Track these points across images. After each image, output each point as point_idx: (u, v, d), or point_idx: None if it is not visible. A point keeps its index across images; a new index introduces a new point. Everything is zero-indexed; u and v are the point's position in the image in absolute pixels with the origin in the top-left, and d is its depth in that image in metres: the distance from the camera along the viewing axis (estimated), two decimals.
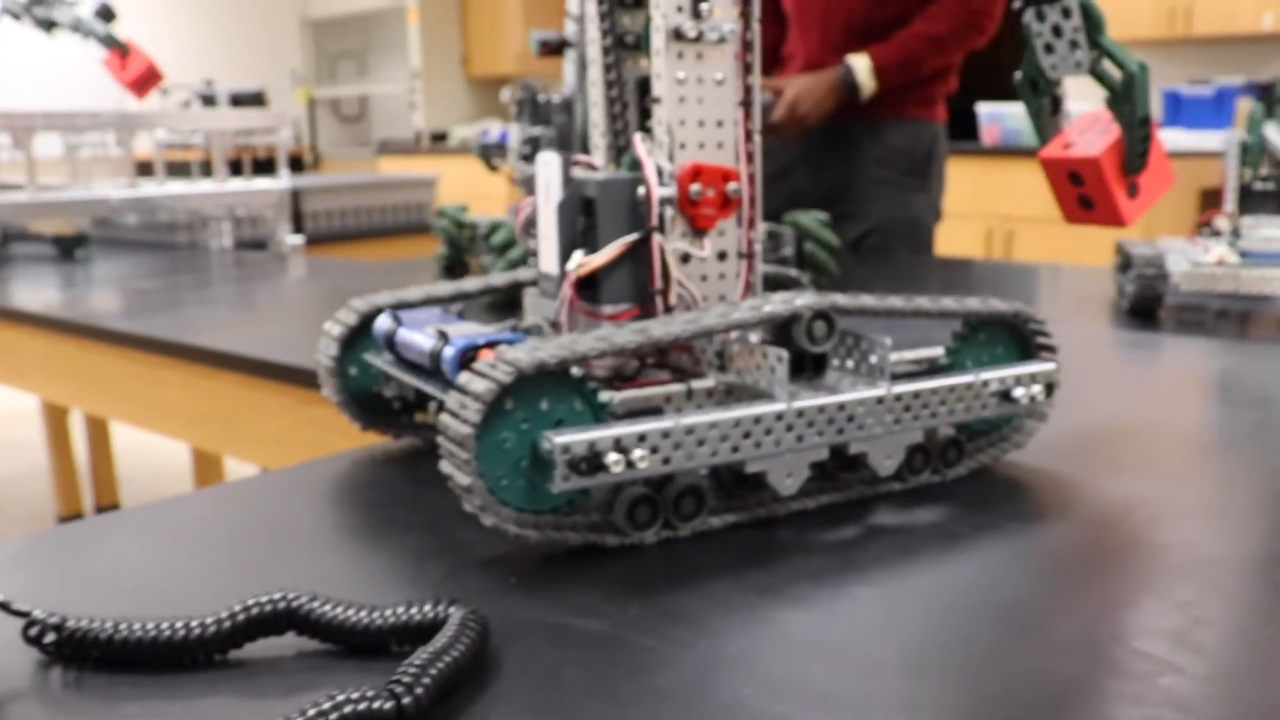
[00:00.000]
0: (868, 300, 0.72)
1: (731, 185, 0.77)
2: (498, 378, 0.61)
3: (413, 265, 2.07)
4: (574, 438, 0.61)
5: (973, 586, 0.61)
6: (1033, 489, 0.77)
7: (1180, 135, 4.38)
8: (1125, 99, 0.93)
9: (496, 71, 7.41)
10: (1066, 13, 0.94)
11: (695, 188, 0.75)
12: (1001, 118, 4.61)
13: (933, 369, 0.79)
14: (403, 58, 7.76)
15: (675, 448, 0.64)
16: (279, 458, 1.33)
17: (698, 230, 0.77)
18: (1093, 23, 0.94)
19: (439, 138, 7.40)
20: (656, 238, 0.74)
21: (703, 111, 0.76)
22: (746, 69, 0.78)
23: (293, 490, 0.83)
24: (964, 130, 4.31)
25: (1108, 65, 0.95)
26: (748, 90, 0.78)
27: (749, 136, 0.78)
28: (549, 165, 0.76)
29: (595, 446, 0.62)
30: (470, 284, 0.90)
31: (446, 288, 0.89)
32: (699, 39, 0.75)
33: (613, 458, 0.61)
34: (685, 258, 0.77)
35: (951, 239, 2.90)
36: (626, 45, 0.82)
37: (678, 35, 0.75)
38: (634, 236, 0.74)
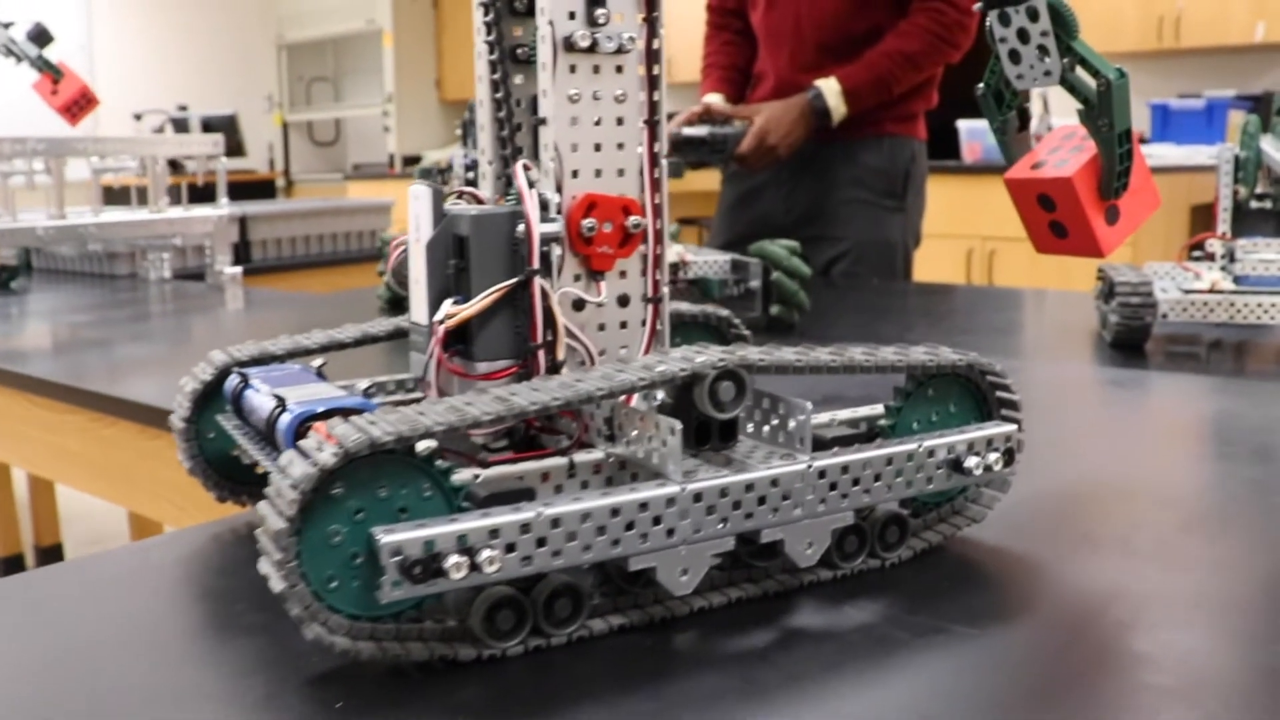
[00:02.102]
0: (787, 355, 0.60)
1: (633, 219, 0.65)
2: (320, 461, 0.50)
3: (356, 297, 1.96)
4: (407, 536, 0.50)
5: (905, 716, 0.49)
6: (990, 577, 0.65)
7: (1169, 150, 4.28)
8: (1102, 111, 0.82)
9: (470, 95, 7.31)
10: (1033, 14, 0.83)
11: (588, 223, 0.64)
12: (983, 134, 4.50)
13: (871, 433, 0.67)
14: (377, 81, 7.66)
15: (538, 544, 0.52)
16: (179, 515, 1.21)
17: (593, 272, 0.65)
18: (1064, 25, 0.83)
19: (412, 161, 7.30)
20: (538, 282, 0.62)
21: (599, 134, 0.65)
22: (652, 83, 0.66)
23: (133, 574, 0.71)
24: (945, 148, 4.21)
25: (1082, 73, 0.83)
26: (653, 108, 0.66)
27: (655, 162, 0.67)
28: (418, 199, 0.65)
29: (434, 547, 0.50)
30: (346, 332, 0.78)
31: (318, 337, 0.78)
32: (593, 49, 0.64)
33: (454, 561, 0.50)
34: (578, 304, 0.65)
35: (932, 259, 2.79)
36: (518, 59, 0.70)
37: (569, 46, 0.63)
38: (510, 282, 0.62)
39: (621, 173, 0.66)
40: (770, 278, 1.44)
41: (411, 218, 0.66)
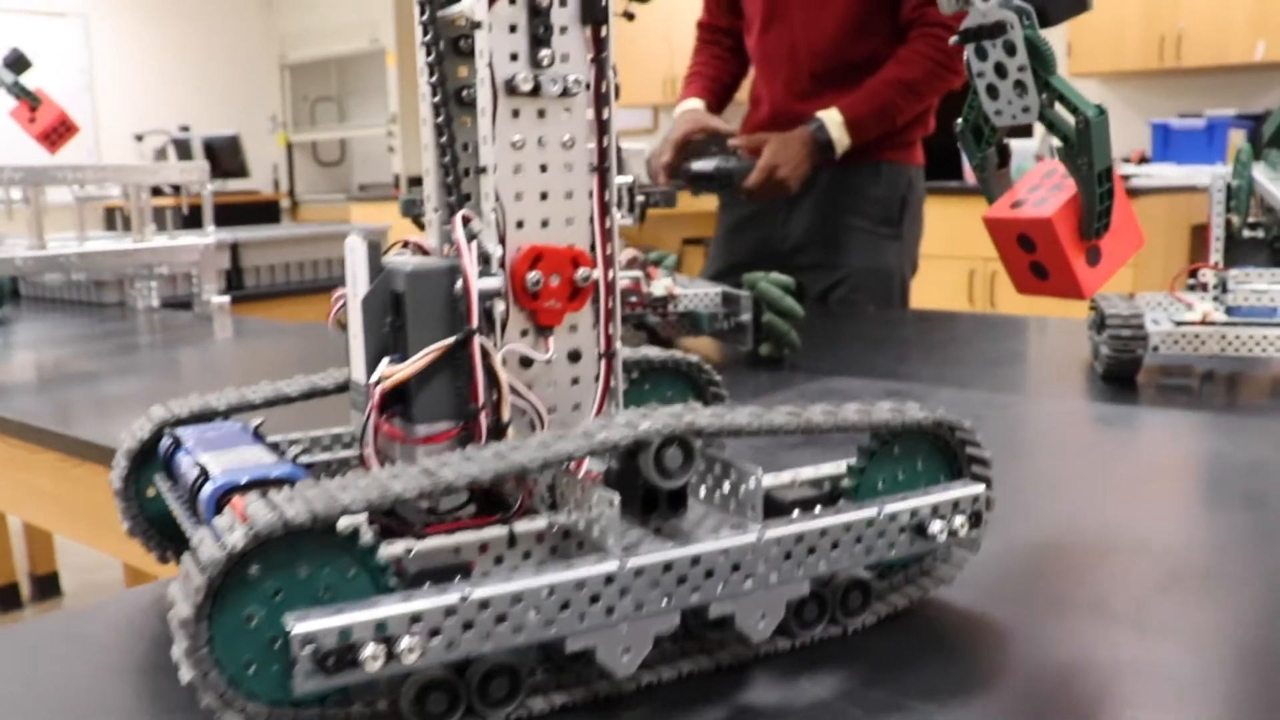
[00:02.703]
0: (740, 418, 0.57)
1: (582, 271, 0.62)
2: (229, 544, 0.47)
3: None
4: (320, 625, 0.46)
5: None
6: (956, 645, 0.61)
7: (1170, 169, 4.24)
8: (1081, 150, 0.79)
9: None
10: (1010, 49, 0.80)
11: (533, 276, 0.61)
12: None
13: (835, 493, 0.64)
14: (381, 101, 7.66)
15: (465, 628, 0.49)
16: (146, 557, 1.18)
17: (541, 328, 0.63)
18: (1041, 61, 0.80)
19: (417, 181, 7.29)
20: (479, 341, 0.59)
21: (545, 181, 0.62)
22: (602, 128, 0.63)
23: (62, 642, 0.68)
24: (947, 168, 4.18)
25: (1061, 110, 0.80)
26: (603, 154, 0.64)
27: (605, 210, 0.64)
28: (354, 251, 0.62)
29: (350, 635, 0.47)
30: (294, 385, 0.75)
31: (264, 390, 0.75)
32: (537, 92, 0.61)
33: (370, 651, 0.47)
34: (526, 360, 0.63)
35: (933, 281, 2.76)
36: (463, 101, 0.68)
37: (510, 89, 0.60)
38: (448, 342, 0.59)
39: (570, 222, 0.63)
40: (762, 319, 1.40)
41: (348, 271, 0.63)
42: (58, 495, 1.33)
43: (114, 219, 5.70)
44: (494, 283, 0.60)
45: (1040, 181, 0.85)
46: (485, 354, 0.60)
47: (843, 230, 2.08)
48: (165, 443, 0.67)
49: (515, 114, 0.61)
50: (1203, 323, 1.30)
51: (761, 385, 1.30)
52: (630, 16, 1.47)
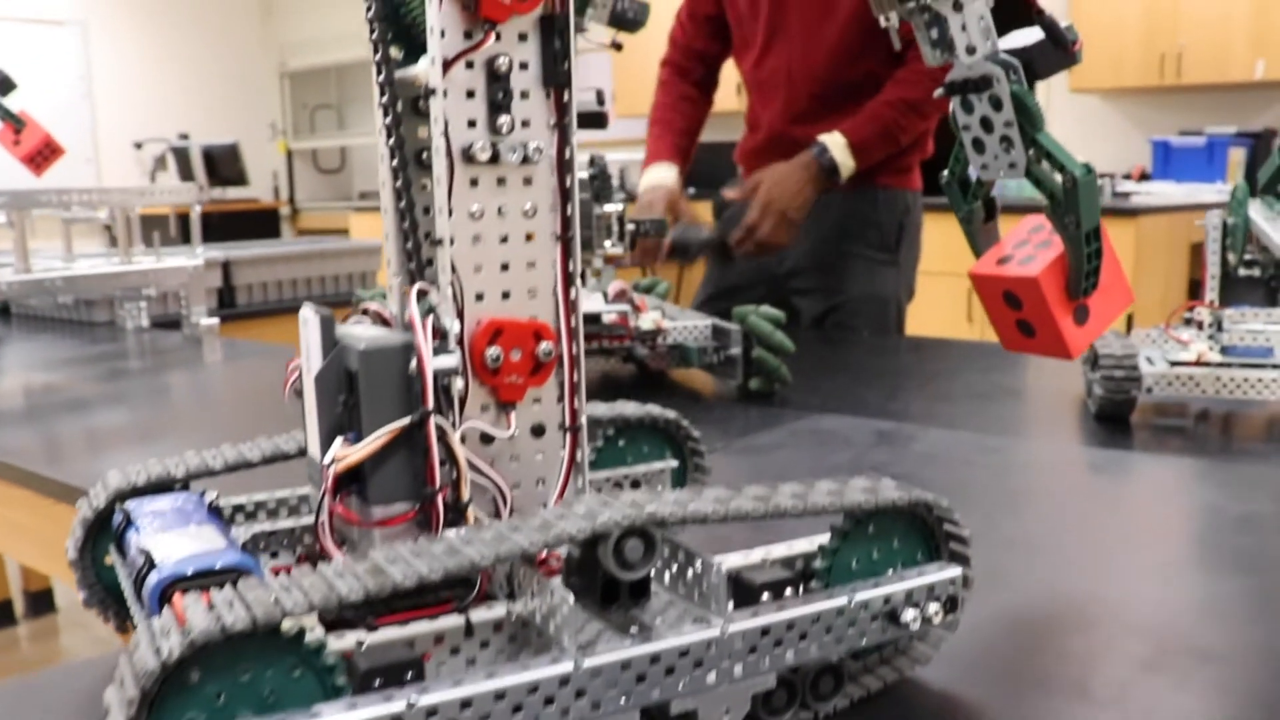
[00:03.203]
0: (704, 506, 0.55)
1: (544, 346, 0.60)
2: (165, 652, 0.44)
3: None
4: None
5: None
6: None
7: (1171, 188, 4.23)
8: (1068, 209, 0.77)
9: None
10: (996, 103, 0.78)
11: (493, 352, 0.59)
12: None
13: (808, 573, 0.62)
14: None
15: None
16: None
17: (502, 404, 0.60)
18: (1028, 117, 0.78)
19: None
20: (435, 422, 0.57)
21: (506, 252, 0.60)
22: (564, 195, 0.61)
23: (12, 713, 0.66)
24: None
25: (1048, 168, 0.78)
26: (566, 222, 0.61)
27: (569, 281, 0.62)
28: (308, 324, 0.60)
29: None
30: (257, 449, 0.73)
31: (227, 454, 0.73)
32: (495, 160, 0.59)
33: None
34: (487, 438, 0.60)
35: (934, 299, 2.74)
36: (423, 164, 0.65)
37: (468, 158, 0.58)
38: (402, 423, 0.57)
39: (533, 294, 0.61)
40: (752, 353, 1.38)
41: (302, 343, 0.61)
42: (39, 531, 1.31)
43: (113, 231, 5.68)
44: (450, 361, 0.58)
45: (1028, 237, 0.83)
46: (443, 434, 0.58)
47: (839, 256, 2.06)
48: (117, 519, 0.64)
49: (473, 183, 0.59)
50: (1198, 363, 1.28)
51: (750, 422, 1.27)
52: (618, 46, 1.45)
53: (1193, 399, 1.35)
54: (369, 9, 0.62)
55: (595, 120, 1.52)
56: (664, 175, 2.08)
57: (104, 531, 0.70)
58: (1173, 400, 1.36)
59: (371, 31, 0.62)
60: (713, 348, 1.43)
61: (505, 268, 0.60)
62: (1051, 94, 5.56)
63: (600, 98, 1.54)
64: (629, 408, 0.81)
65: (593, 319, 1.34)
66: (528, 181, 0.60)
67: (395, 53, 0.63)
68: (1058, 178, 0.77)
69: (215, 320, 2.06)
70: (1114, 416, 1.26)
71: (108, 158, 7.49)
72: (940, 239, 2.54)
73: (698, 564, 0.56)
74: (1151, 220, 3.86)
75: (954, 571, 0.61)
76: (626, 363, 1.47)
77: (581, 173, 1.50)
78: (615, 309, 1.35)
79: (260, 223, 6.59)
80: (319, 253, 2.71)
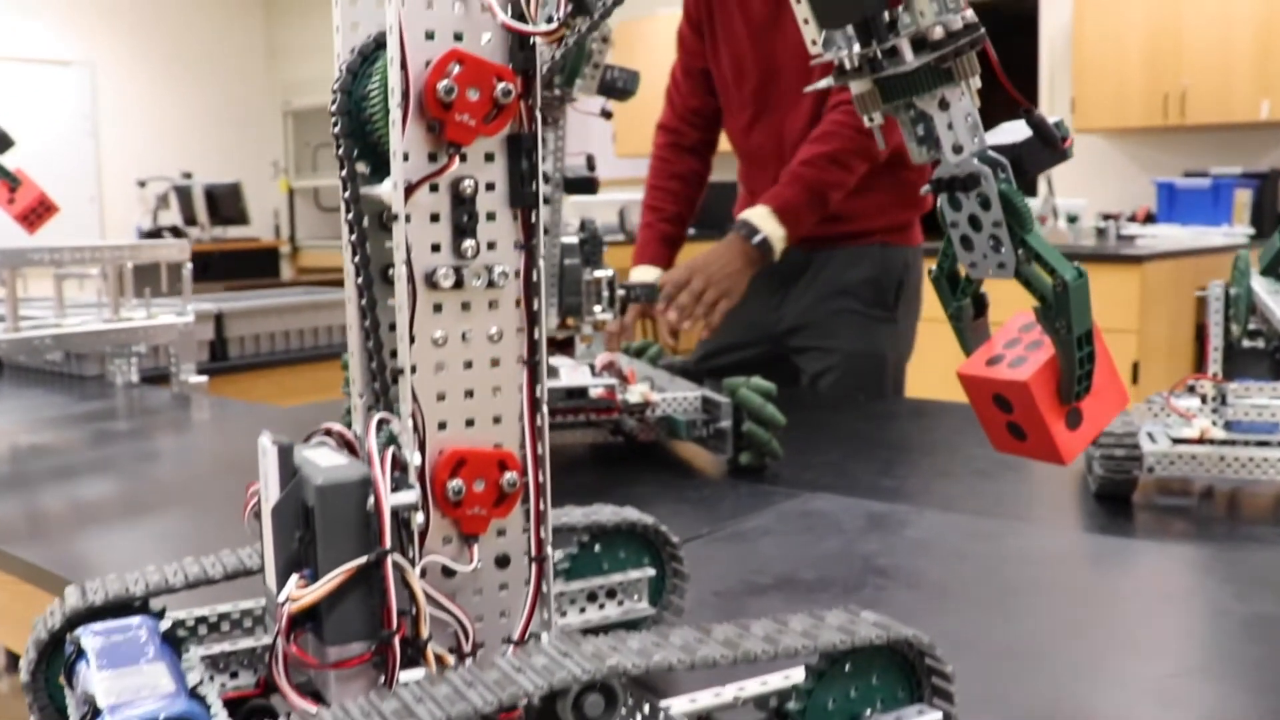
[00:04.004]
0: (670, 655, 0.52)
1: (509, 476, 0.58)
2: None
3: (331, 410, 1.88)
4: None
5: None
6: None
7: (1176, 231, 4.21)
8: (1059, 313, 0.74)
9: None
10: (984, 202, 0.76)
11: (455, 485, 0.56)
12: None
13: (780, 713, 0.59)
14: None
15: None
16: None
17: (465, 535, 0.58)
18: (1018, 218, 0.75)
19: None
20: (393, 560, 0.55)
21: (470, 378, 0.58)
22: (531, 319, 0.59)
23: None
24: None
25: (1039, 269, 0.76)
26: (533, 346, 0.59)
27: (536, 407, 0.59)
28: (266, 455, 0.57)
29: None
30: (220, 564, 0.70)
31: (190, 569, 0.70)
32: (459, 285, 0.56)
33: None
34: (449, 571, 0.58)
35: (939, 345, 2.70)
36: (389, 279, 0.63)
37: (431, 284, 0.56)
38: (358, 563, 0.54)
39: (498, 420, 0.59)
40: (743, 427, 1.35)
41: (260, 471, 0.58)
42: (13, 611, 1.29)
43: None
44: (409, 497, 0.55)
45: (1018, 335, 0.81)
46: (401, 572, 0.55)
47: (836, 313, 2.03)
48: (68, 648, 0.62)
49: (437, 308, 0.57)
50: (1200, 440, 1.25)
51: (739, 503, 1.24)
52: (608, 115, 1.43)
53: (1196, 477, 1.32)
54: (334, 124, 0.60)
55: (585, 186, 1.51)
56: (649, 277, 2.06)
57: (58, 651, 0.68)
58: (1175, 474, 1.33)
59: (337, 147, 0.60)
60: (702, 420, 1.40)
61: (469, 394, 0.58)
62: None
63: (590, 163, 1.52)
64: (605, 513, 0.79)
65: (579, 393, 1.31)
66: (493, 305, 0.58)
67: (362, 168, 0.61)
68: (1048, 280, 0.75)
69: (204, 379, 2.05)
70: (1115, 496, 1.23)
71: (111, 196, 7.51)
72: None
73: (661, 716, 0.53)
74: (1156, 266, 3.84)
75: (935, 716, 0.58)
76: (614, 435, 1.44)
77: (572, 237, 1.48)
78: (602, 383, 1.32)
79: (260, 261, 6.60)
80: (311, 304, 2.69)
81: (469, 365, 0.58)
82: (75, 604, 0.67)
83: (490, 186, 0.57)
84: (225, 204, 6.91)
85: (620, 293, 1.50)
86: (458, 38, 0.56)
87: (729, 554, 1.07)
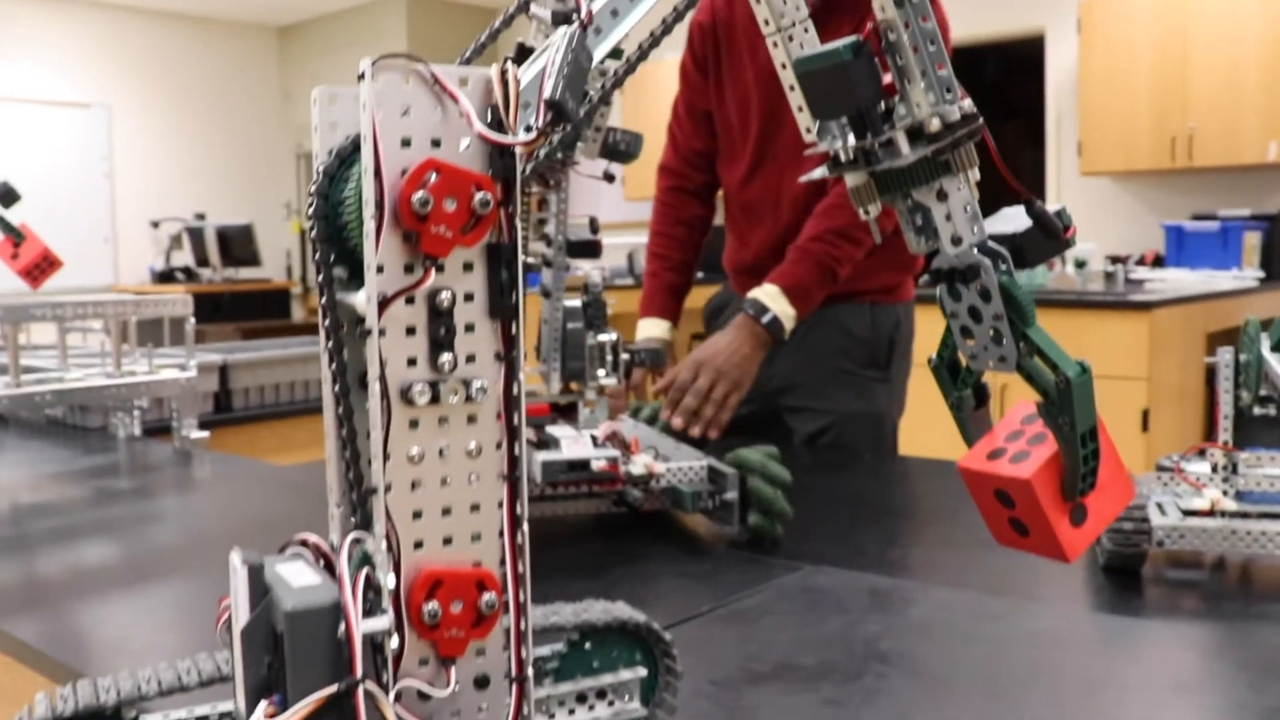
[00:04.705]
0: None
1: (487, 598, 0.56)
2: None
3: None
4: None
5: None
6: None
7: (1185, 275, 4.18)
8: (1062, 410, 0.72)
9: None
10: (985, 294, 0.74)
11: (431, 608, 0.54)
12: None
13: None
14: None
15: None
16: None
17: (442, 658, 0.56)
18: (1019, 311, 0.74)
19: None
20: (365, 688, 0.53)
21: (447, 496, 0.56)
22: (511, 434, 0.57)
23: None
24: None
25: (1041, 363, 0.74)
26: (513, 462, 0.57)
27: (516, 524, 0.57)
28: (236, 573, 0.56)
29: None
30: (197, 670, 0.68)
31: (165, 675, 0.68)
32: (436, 401, 0.55)
33: None
34: (425, 695, 0.56)
35: (932, 400, 2.68)
36: (367, 386, 0.61)
37: (407, 400, 0.54)
38: (329, 691, 0.52)
39: (477, 538, 0.57)
40: (747, 485, 1.33)
41: (231, 591, 0.56)
42: (6, 687, 1.27)
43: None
44: (382, 623, 0.53)
45: (1021, 427, 0.78)
46: (373, 701, 0.53)
47: (829, 373, 2.01)
48: None
49: (413, 424, 0.55)
50: (1211, 512, 1.22)
51: (743, 578, 1.21)
52: (610, 178, 1.42)
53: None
54: (312, 228, 0.59)
55: (589, 250, 1.49)
56: (656, 331, 2.05)
57: None
58: (1186, 544, 1.30)
59: (314, 252, 0.58)
60: (708, 492, 1.37)
61: (447, 512, 0.56)
62: (1062, 177, 5.55)
63: (594, 225, 1.51)
64: (596, 610, 0.77)
65: (581, 465, 1.29)
66: (472, 420, 0.56)
67: (339, 272, 0.60)
68: (1051, 375, 0.73)
69: (205, 434, 2.04)
70: (1123, 570, 1.21)
71: (125, 236, 7.55)
72: (936, 338, 2.49)
73: None
74: (1167, 312, 3.81)
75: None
76: (618, 506, 1.42)
77: (575, 300, 1.47)
78: (604, 454, 1.30)
79: (272, 303, 6.61)
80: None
81: (445, 482, 0.56)
82: (44, 714, 0.65)
83: (469, 297, 0.56)
84: (237, 245, 6.94)
85: (625, 356, 1.48)
86: (435, 144, 0.55)
87: (729, 635, 1.04)
